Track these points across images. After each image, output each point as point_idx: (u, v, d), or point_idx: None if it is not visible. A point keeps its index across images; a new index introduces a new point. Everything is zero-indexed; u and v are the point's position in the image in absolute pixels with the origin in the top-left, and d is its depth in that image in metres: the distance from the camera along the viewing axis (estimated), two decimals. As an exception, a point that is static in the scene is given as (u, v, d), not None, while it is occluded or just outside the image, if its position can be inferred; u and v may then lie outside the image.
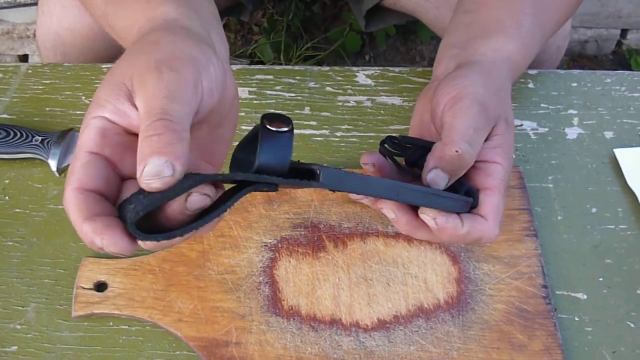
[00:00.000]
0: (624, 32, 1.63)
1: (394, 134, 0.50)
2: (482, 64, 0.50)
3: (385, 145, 0.49)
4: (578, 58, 1.65)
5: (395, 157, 0.49)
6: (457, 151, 0.44)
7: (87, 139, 0.37)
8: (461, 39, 0.54)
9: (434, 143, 0.47)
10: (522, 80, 0.72)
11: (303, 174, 0.39)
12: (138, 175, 0.34)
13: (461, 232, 0.45)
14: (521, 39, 0.53)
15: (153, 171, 0.34)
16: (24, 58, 1.57)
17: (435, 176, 0.45)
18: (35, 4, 1.16)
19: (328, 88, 0.71)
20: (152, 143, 0.34)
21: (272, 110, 0.37)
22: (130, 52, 0.40)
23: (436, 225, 0.45)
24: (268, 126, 0.37)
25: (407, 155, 0.49)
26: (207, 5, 0.48)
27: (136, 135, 0.37)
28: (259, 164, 0.36)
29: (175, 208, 0.36)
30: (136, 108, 0.37)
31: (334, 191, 0.40)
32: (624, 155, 0.64)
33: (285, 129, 0.37)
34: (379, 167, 0.49)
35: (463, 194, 0.46)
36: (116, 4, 0.48)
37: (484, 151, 0.47)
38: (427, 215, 0.45)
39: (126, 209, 0.35)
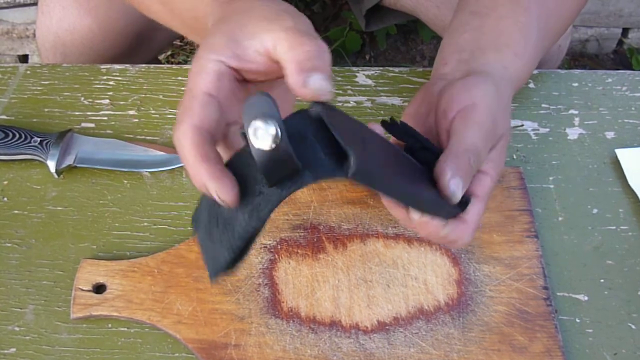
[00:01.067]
0: (625, 31, 1.63)
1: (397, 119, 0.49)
2: (493, 77, 0.50)
3: (391, 124, 0.48)
4: (579, 57, 1.65)
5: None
6: (471, 161, 0.44)
7: (206, 81, 0.39)
8: (470, 44, 0.53)
9: (432, 143, 0.47)
10: (522, 80, 0.71)
11: (332, 143, 0.36)
12: (299, 85, 0.37)
13: (442, 233, 0.45)
14: (527, 56, 0.53)
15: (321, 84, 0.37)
16: (23, 58, 1.57)
17: (457, 185, 0.44)
18: (35, 3, 1.16)
19: (328, 88, 0.70)
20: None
21: (250, 98, 0.35)
22: (226, 14, 0.41)
23: (420, 219, 0.44)
24: (254, 143, 0.34)
25: (409, 144, 0.48)
26: None
27: (245, 83, 0.40)
28: (269, 185, 0.36)
29: None
30: (251, 52, 0.38)
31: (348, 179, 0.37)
32: (625, 156, 0.64)
33: (272, 143, 0.33)
34: None
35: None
36: None
37: None
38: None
39: (213, 255, 0.39)
